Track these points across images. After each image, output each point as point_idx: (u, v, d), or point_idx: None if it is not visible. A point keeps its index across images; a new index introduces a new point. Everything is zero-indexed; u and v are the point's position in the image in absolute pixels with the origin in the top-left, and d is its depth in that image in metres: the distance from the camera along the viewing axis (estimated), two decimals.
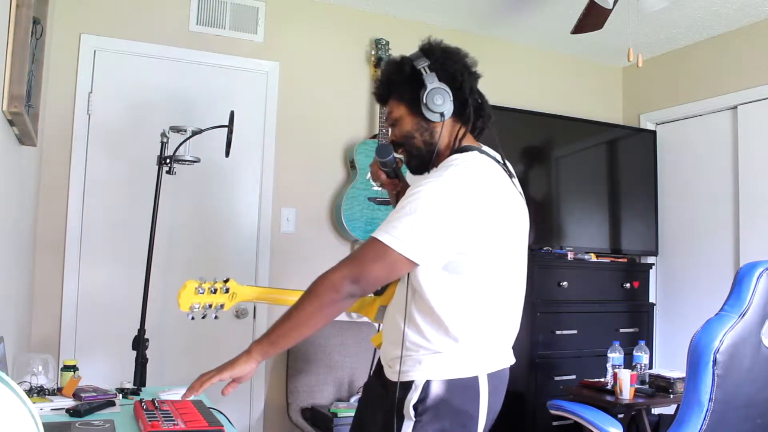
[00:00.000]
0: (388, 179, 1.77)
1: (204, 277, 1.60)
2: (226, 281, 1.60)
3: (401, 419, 1.42)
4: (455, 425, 1.42)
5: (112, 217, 3.02)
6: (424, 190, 1.39)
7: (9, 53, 1.66)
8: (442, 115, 1.51)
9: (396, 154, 1.67)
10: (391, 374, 1.50)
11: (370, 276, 1.40)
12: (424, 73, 1.50)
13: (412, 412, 1.41)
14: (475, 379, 1.43)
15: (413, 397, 1.41)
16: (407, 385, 1.43)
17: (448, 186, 1.40)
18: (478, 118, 1.58)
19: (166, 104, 3.14)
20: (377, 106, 3.48)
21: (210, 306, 1.55)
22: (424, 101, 1.50)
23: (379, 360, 1.65)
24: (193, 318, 1.56)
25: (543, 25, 3.79)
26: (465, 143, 1.55)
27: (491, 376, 1.46)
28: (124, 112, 3.08)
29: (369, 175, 3.37)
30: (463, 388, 1.42)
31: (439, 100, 1.50)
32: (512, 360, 1.57)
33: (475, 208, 1.41)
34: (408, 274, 1.44)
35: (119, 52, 3.08)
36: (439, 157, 1.55)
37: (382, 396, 1.53)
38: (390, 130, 1.63)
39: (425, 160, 1.57)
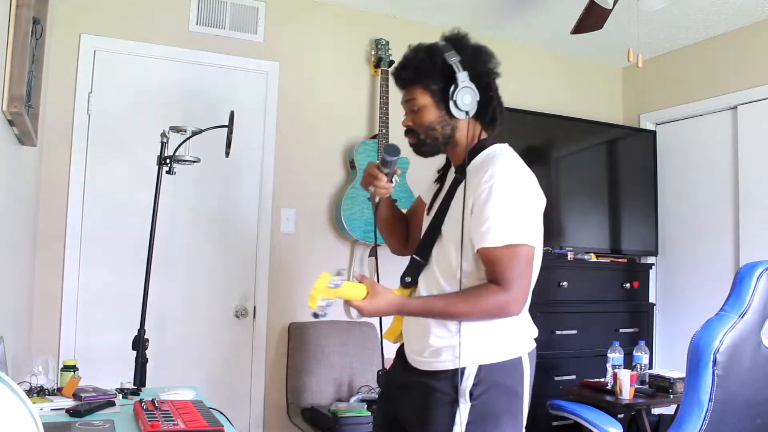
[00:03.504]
0: (387, 183, 1.71)
1: (336, 270, 1.49)
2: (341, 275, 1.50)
3: (456, 404, 1.51)
4: (505, 403, 1.54)
5: (112, 217, 3.02)
6: (505, 184, 1.49)
7: (9, 53, 1.66)
8: (467, 113, 1.57)
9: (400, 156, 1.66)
10: (433, 364, 1.58)
11: (530, 285, 1.53)
12: (456, 69, 1.54)
13: (468, 397, 1.51)
14: (519, 359, 1.56)
15: (468, 383, 1.51)
16: (460, 372, 1.52)
17: (522, 176, 1.54)
18: (497, 118, 1.64)
19: (166, 104, 3.14)
20: (377, 106, 3.48)
21: (329, 304, 1.48)
22: (454, 98, 1.54)
23: (400, 352, 1.73)
24: (316, 315, 1.46)
25: (543, 25, 3.79)
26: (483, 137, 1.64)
27: (530, 355, 1.59)
28: (124, 112, 3.08)
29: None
30: (510, 370, 1.55)
31: (468, 99, 1.55)
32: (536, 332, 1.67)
33: (538, 196, 1.57)
34: (462, 269, 1.55)
35: (119, 52, 3.08)
36: (455, 149, 1.64)
37: (417, 386, 1.60)
38: (407, 114, 1.66)
39: (438, 150, 1.65)
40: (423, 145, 1.64)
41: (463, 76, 1.54)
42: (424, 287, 1.64)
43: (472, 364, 1.53)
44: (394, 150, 1.65)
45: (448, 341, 1.55)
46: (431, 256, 1.64)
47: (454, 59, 1.55)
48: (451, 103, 1.55)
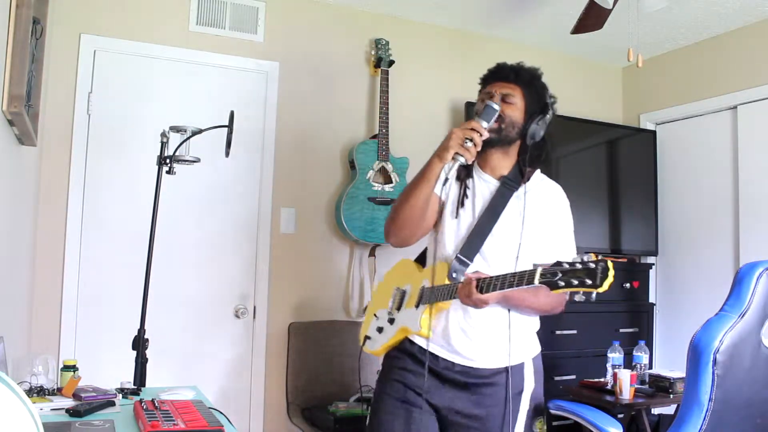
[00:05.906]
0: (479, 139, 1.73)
1: None
2: None
3: (520, 395, 1.80)
4: (543, 387, 1.90)
5: (112, 217, 3.02)
6: (569, 210, 1.96)
7: (9, 53, 1.67)
8: (531, 138, 1.89)
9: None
10: (494, 362, 1.79)
11: None
12: (550, 109, 1.93)
13: (529, 388, 1.83)
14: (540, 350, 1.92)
15: (528, 375, 1.83)
16: (520, 366, 1.82)
17: None
18: (535, 161, 1.96)
19: (166, 104, 3.14)
20: (377, 106, 3.47)
21: None
22: (536, 123, 1.88)
23: (418, 350, 1.85)
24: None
25: (543, 25, 3.79)
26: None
27: None
28: (124, 112, 3.08)
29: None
30: (541, 358, 1.91)
31: (540, 132, 1.90)
32: None
33: None
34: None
35: (119, 52, 3.08)
36: (504, 157, 1.91)
37: (476, 385, 1.80)
38: (503, 102, 1.87)
39: (497, 143, 1.86)
40: (498, 132, 1.84)
41: (549, 116, 1.91)
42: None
43: (528, 359, 1.84)
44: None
45: (508, 340, 1.79)
46: (478, 255, 1.82)
47: (552, 101, 1.93)
48: (533, 124, 1.86)
